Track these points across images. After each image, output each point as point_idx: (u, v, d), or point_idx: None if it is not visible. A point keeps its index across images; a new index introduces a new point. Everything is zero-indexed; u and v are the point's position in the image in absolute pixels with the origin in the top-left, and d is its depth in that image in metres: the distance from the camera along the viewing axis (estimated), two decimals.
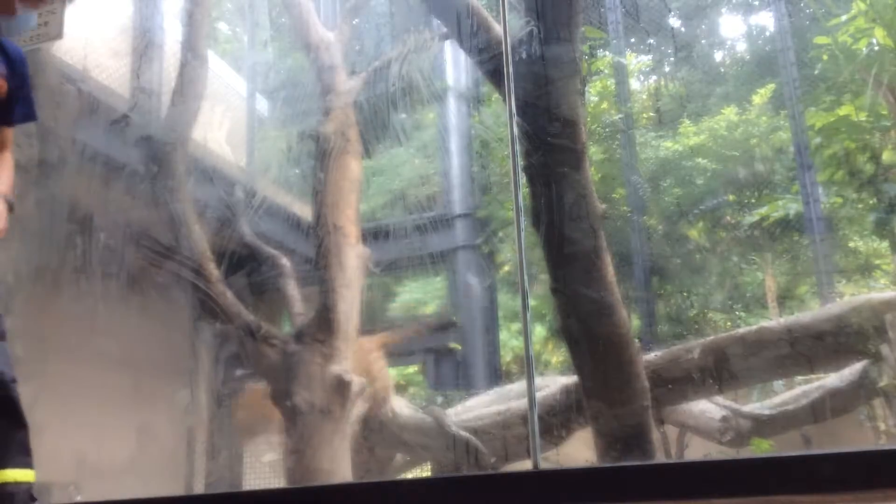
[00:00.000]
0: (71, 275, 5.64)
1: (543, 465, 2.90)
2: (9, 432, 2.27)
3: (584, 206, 4.12)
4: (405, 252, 8.17)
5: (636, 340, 4.40)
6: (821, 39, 7.00)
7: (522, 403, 5.67)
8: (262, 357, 5.51)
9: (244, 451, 6.81)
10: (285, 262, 6.12)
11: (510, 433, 5.60)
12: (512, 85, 3.48)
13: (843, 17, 6.61)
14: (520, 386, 6.37)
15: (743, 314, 7.85)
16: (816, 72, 7.56)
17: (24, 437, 2.30)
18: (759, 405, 5.85)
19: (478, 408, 6.15)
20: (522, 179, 4.14)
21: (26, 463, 2.27)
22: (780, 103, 8.02)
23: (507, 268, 8.69)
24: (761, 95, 8.42)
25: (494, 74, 4.56)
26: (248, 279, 6.00)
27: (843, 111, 6.79)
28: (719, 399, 5.68)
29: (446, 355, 8.22)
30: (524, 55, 4.19)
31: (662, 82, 9.33)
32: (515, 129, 3.37)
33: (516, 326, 8.35)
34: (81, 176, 5.65)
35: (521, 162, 4.03)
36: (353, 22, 7.13)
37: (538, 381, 5.73)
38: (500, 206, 8.41)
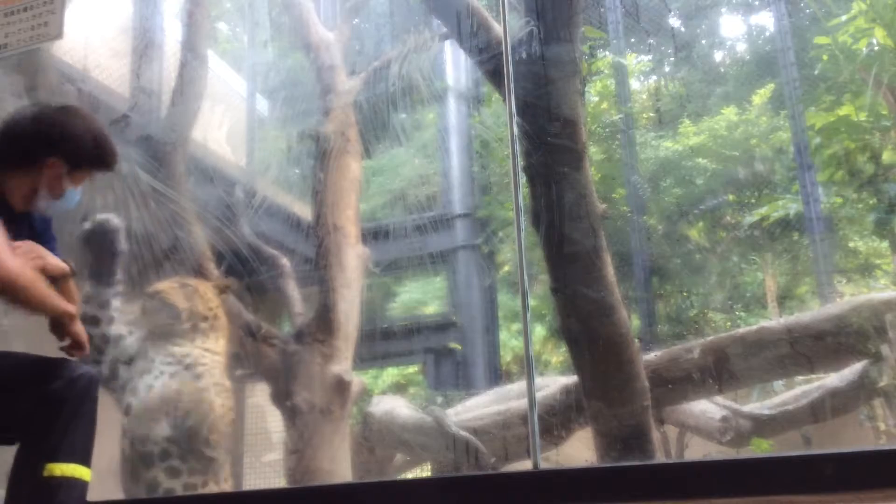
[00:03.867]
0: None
1: (543, 465, 2.89)
2: (88, 428, 2.25)
3: (584, 206, 4.12)
4: (405, 252, 8.17)
5: (636, 340, 4.39)
6: (821, 39, 6.99)
7: (522, 403, 5.66)
8: (262, 357, 5.51)
9: (244, 451, 6.81)
10: (285, 262, 6.12)
11: (510, 433, 5.59)
12: (512, 85, 3.48)
13: (843, 17, 6.62)
14: (520, 386, 6.36)
15: (743, 314, 7.84)
16: (816, 72, 7.55)
17: (93, 434, 2.29)
18: (759, 405, 5.84)
19: (478, 408, 6.15)
20: (522, 179, 4.13)
21: (88, 461, 2.25)
22: (780, 103, 8.01)
23: (507, 268, 8.69)
24: (761, 95, 8.41)
25: (494, 74, 4.55)
26: (247, 279, 6.00)
27: (843, 111, 6.78)
28: (719, 399, 5.67)
29: (446, 355, 8.22)
30: (524, 55, 4.19)
31: (662, 82, 9.32)
32: (515, 129, 3.37)
33: (516, 326, 8.34)
34: None
35: (521, 162, 4.02)
36: (353, 22, 7.13)
37: (538, 381, 5.72)
38: (500, 206, 8.41)
